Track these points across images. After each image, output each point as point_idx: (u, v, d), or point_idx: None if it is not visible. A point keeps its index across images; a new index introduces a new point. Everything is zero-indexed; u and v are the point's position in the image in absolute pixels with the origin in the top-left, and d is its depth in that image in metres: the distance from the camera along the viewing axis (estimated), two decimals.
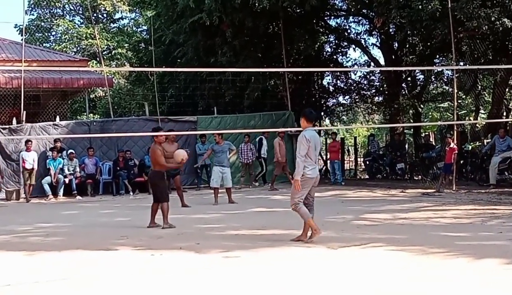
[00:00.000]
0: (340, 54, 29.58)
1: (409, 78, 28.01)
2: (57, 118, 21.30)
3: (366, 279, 6.61)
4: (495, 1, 17.59)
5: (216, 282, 6.70)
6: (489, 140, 20.65)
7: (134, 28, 41.15)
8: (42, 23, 40.95)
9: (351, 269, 7.16)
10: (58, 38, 40.87)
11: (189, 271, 7.27)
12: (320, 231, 8.88)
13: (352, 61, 30.72)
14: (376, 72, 28.68)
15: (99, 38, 32.49)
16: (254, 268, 7.41)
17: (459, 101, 24.45)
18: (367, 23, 26.74)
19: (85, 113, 29.18)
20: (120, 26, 42.13)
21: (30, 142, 19.19)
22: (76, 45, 38.41)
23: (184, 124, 21.32)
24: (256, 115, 22.86)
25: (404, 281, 6.48)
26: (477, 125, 24.11)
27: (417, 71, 27.37)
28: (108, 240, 9.76)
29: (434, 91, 30.70)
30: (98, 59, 32.26)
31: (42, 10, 41.28)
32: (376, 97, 30.22)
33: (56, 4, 40.72)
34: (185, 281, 6.81)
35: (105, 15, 42.08)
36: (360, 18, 26.91)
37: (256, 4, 19.69)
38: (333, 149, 22.32)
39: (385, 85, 28.21)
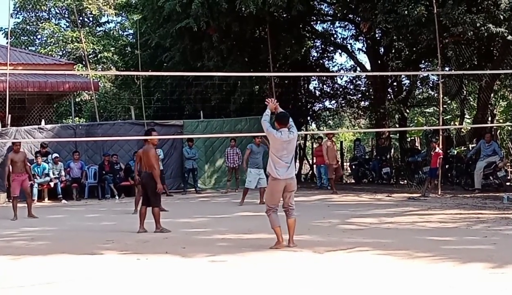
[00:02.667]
0: (326, 59, 29.67)
1: (395, 83, 28.10)
2: (43, 122, 21.20)
3: (352, 283, 6.62)
4: (480, 7, 17.71)
5: (202, 287, 6.69)
6: (474, 145, 20.78)
7: (120, 32, 40.97)
8: (28, 27, 40.68)
9: (337, 273, 7.17)
10: (43, 41, 40.61)
11: (175, 276, 7.25)
12: (282, 245, 8.87)
13: (338, 66, 30.85)
14: (362, 77, 28.75)
15: (85, 42, 32.33)
16: (240, 272, 7.40)
17: (445, 106, 24.57)
18: (353, 28, 26.84)
19: (70, 117, 29.03)
20: (106, 30, 41.91)
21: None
22: (62, 49, 38.22)
23: (170, 128, 21.30)
24: (242, 119, 22.87)
25: (390, 285, 6.50)
26: (462, 130, 24.24)
27: (403, 76, 27.49)
28: (94, 244, 9.72)
29: (419, 96, 30.83)
30: (84, 62, 32.16)
31: (28, 13, 41.00)
32: (362, 102, 30.32)
33: (42, 7, 40.45)
34: (171, 285, 6.79)
35: (91, 18, 41.87)
36: (346, 23, 27.00)
37: (243, 9, 19.69)
38: (319, 153, 22.32)
39: (371, 90, 28.29)
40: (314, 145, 24.93)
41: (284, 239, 9.07)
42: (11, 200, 18.63)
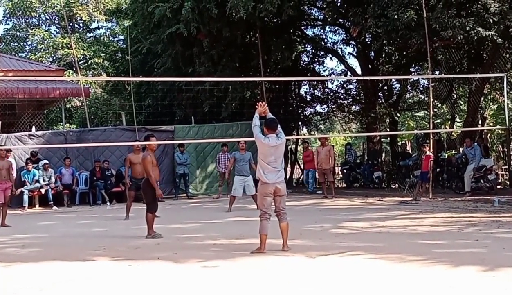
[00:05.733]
0: (317, 63, 29.70)
1: (385, 87, 28.19)
2: (33, 128, 21.13)
3: (345, 288, 6.62)
4: (469, 11, 17.79)
5: (194, 292, 6.67)
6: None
7: (110, 38, 40.96)
8: (18, 33, 40.63)
9: (329, 278, 7.16)
10: (33, 47, 40.56)
11: (167, 281, 7.23)
12: (264, 252, 8.89)
13: (329, 71, 30.85)
14: (353, 81, 28.82)
15: (75, 48, 32.30)
16: (232, 277, 7.39)
17: (435, 110, 24.63)
18: (344, 32, 26.90)
19: (61, 123, 28.97)
20: (97, 36, 41.89)
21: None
22: (52, 55, 38.15)
23: (162, 134, 21.21)
24: (234, 124, 22.87)
25: (382, 289, 6.50)
26: (453, 133, 24.32)
27: (393, 80, 27.57)
28: (85, 251, 9.68)
29: (410, 100, 30.92)
30: (74, 69, 32.12)
31: (18, 20, 40.94)
32: (353, 106, 30.36)
33: (32, 13, 40.39)
34: (163, 291, 6.77)
35: (81, 24, 41.85)
36: (336, 27, 27.05)
37: (233, 14, 19.70)
38: (307, 158, 22.30)
39: (361, 94, 28.35)
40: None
41: (278, 244, 9.09)
42: None
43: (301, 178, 28.26)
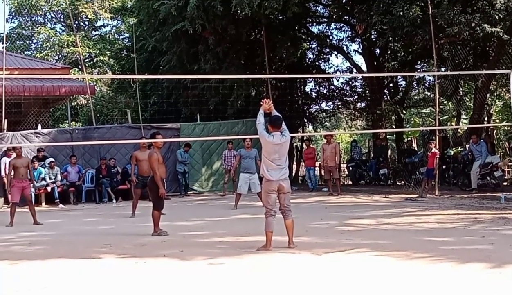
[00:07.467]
0: (323, 60, 29.72)
1: (391, 84, 28.14)
2: (39, 126, 21.17)
3: (351, 285, 6.61)
4: (475, 7, 17.73)
5: (201, 290, 6.67)
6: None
7: (116, 36, 41.01)
8: (23, 31, 40.75)
9: (336, 275, 7.16)
10: (39, 46, 40.66)
11: (173, 279, 7.23)
12: (270, 249, 8.88)
13: (334, 68, 30.89)
14: (359, 78, 28.79)
15: (80, 46, 32.36)
16: (239, 275, 7.39)
17: (441, 106, 24.56)
18: (349, 29, 26.86)
19: (67, 121, 29.03)
20: (102, 34, 41.97)
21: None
22: (58, 53, 38.22)
23: (167, 132, 21.19)
24: (239, 121, 22.88)
25: (389, 286, 6.49)
26: (459, 130, 24.26)
27: (399, 77, 27.51)
28: (92, 248, 9.70)
29: (416, 97, 30.86)
30: (80, 67, 32.14)
31: (23, 18, 41.06)
32: (359, 103, 30.35)
33: (37, 12, 40.50)
34: (169, 289, 6.77)
35: (86, 22, 41.91)
36: (342, 24, 27.02)
37: (238, 12, 19.69)
38: (308, 156, 22.22)
39: (367, 91, 28.33)
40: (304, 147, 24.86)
41: (284, 241, 9.10)
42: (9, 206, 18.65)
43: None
